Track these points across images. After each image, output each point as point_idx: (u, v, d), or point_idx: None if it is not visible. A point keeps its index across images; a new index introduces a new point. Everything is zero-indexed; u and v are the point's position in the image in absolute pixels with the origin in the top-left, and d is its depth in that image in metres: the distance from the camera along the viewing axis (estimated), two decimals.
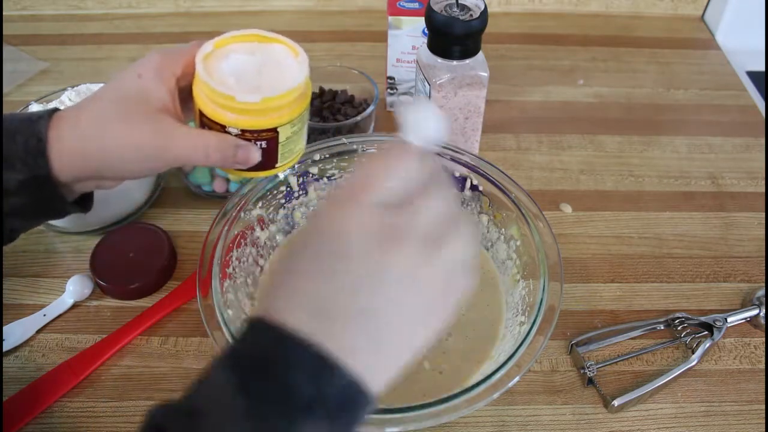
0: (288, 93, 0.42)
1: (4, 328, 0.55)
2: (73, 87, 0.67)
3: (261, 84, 0.42)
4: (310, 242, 0.31)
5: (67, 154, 0.42)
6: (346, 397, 0.28)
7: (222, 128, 0.43)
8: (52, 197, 0.43)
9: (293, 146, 0.46)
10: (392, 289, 0.30)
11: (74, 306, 0.58)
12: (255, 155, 0.43)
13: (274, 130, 0.43)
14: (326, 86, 0.75)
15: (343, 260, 0.30)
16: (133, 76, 0.43)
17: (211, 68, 0.42)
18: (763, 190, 0.70)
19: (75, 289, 0.58)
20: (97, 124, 0.42)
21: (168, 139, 0.42)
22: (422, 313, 0.31)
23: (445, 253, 0.31)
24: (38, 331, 0.56)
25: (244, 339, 0.30)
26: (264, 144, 0.43)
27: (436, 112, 0.34)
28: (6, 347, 0.55)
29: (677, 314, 0.57)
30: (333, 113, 0.71)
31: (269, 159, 0.45)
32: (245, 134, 0.42)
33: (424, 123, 0.34)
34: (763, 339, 0.57)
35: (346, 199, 0.31)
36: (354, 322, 0.29)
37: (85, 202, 0.48)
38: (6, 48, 0.86)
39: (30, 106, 0.65)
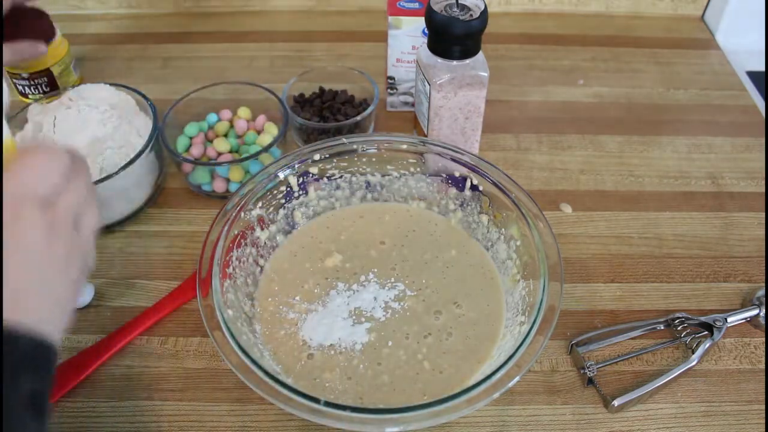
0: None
1: None
2: (73, 87, 0.67)
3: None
4: None
5: None
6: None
7: None
8: None
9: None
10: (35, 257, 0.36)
11: None
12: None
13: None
14: (326, 86, 0.75)
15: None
16: None
17: None
18: (763, 190, 0.70)
19: None
20: None
21: None
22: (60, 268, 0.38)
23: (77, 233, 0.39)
24: None
25: None
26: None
27: None
28: None
29: (677, 314, 0.57)
30: (333, 113, 0.71)
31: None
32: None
33: None
34: (763, 339, 0.57)
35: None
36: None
37: None
38: None
39: (30, 106, 0.65)
